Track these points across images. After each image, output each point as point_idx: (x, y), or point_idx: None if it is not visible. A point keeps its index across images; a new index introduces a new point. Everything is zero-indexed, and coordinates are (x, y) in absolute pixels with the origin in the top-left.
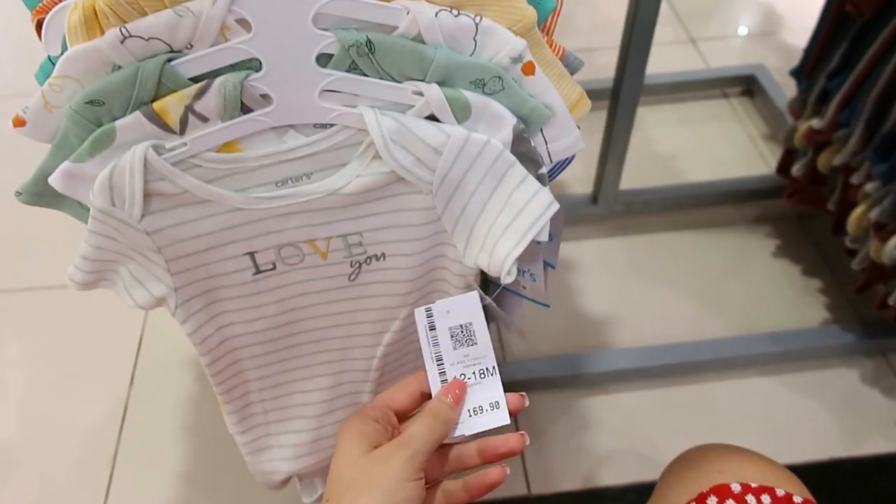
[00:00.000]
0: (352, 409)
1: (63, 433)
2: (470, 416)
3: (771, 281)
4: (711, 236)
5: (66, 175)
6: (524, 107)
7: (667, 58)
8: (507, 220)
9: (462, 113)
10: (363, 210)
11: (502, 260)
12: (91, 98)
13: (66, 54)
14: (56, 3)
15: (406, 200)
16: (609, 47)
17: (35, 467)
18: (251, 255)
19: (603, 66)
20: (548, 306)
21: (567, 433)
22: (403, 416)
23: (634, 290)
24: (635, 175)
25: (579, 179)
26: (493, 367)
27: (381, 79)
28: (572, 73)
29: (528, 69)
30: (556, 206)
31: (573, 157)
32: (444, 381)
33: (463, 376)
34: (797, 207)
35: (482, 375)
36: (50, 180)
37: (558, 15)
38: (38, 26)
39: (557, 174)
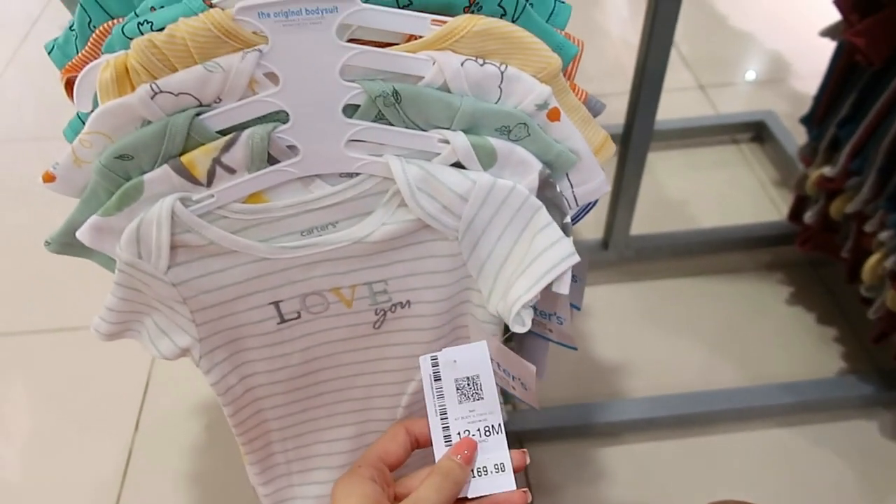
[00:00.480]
0: None
1: (66, 478)
2: (473, 477)
3: (785, 329)
4: (723, 283)
5: (94, 229)
6: (550, 152)
7: (676, 103)
8: (525, 264)
9: (488, 160)
10: (388, 258)
11: (511, 304)
12: (121, 153)
13: (97, 111)
14: (84, 62)
15: (431, 247)
16: (619, 93)
17: None
18: (276, 304)
19: (613, 111)
20: (575, 349)
21: (579, 484)
22: (394, 468)
23: (646, 338)
24: (646, 220)
25: (590, 225)
26: (500, 425)
27: (408, 128)
28: (595, 116)
29: (554, 115)
30: (576, 258)
31: (596, 201)
32: (447, 436)
33: (467, 433)
34: (810, 254)
35: (487, 433)
36: (78, 234)
37: (579, 61)
38: (68, 84)
39: (581, 217)
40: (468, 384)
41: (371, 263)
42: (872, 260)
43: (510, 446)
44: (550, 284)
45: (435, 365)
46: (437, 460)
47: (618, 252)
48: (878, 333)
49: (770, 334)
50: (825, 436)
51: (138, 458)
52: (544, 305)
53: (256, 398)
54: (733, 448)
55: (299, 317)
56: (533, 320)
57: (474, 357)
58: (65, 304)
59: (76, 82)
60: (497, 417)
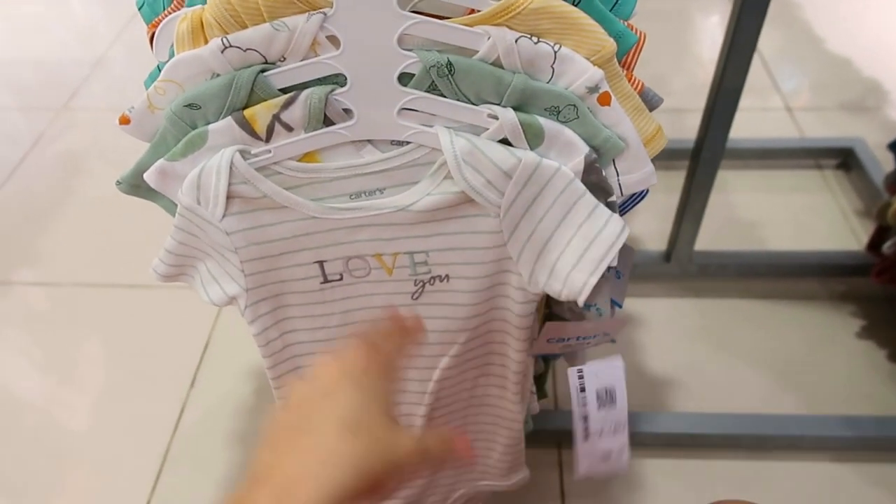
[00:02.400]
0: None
1: (120, 425)
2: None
3: (852, 363)
4: (790, 308)
5: (160, 172)
6: (597, 137)
7: (760, 124)
8: (580, 250)
9: (535, 139)
10: (431, 229)
11: (580, 289)
12: (190, 101)
13: (172, 60)
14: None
15: (473, 223)
16: (699, 109)
17: (89, 457)
18: (320, 263)
19: (692, 126)
20: (613, 341)
21: (616, 493)
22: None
23: (701, 355)
24: (714, 237)
25: (654, 235)
26: (625, 424)
27: (459, 100)
28: (651, 110)
29: (604, 100)
30: (628, 230)
31: (646, 193)
32: (586, 437)
33: (601, 431)
34: (887, 288)
35: (615, 431)
36: (145, 176)
37: (639, 51)
38: (152, 39)
39: (630, 208)
40: (606, 394)
41: (414, 233)
42: None
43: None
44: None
45: (581, 377)
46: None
47: (680, 266)
48: None
49: (835, 367)
50: (881, 476)
51: (190, 413)
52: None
53: (294, 355)
54: (783, 476)
55: (341, 279)
56: (570, 310)
57: (614, 372)
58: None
59: (156, 33)
60: (624, 418)
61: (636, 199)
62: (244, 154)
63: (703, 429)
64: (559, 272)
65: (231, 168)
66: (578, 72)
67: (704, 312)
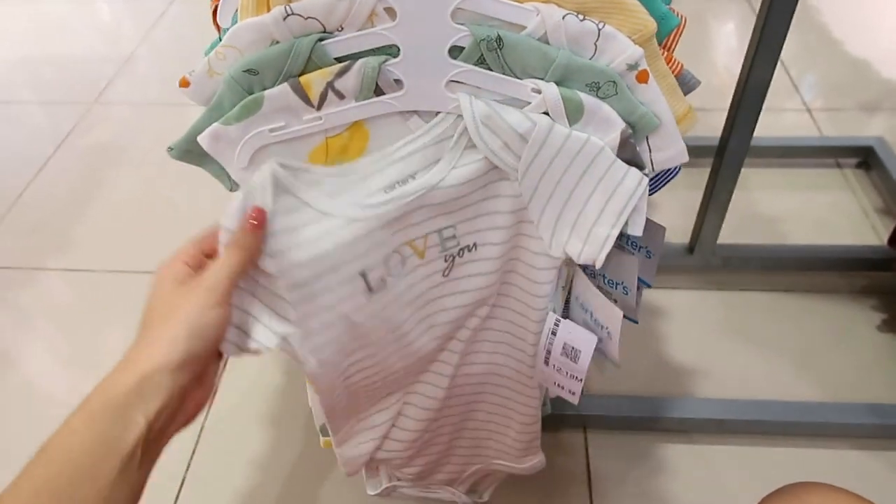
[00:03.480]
0: (426, 405)
1: None
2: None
3: (873, 355)
4: (812, 301)
5: (213, 136)
6: (634, 113)
7: (780, 124)
8: (600, 204)
9: (575, 114)
10: (458, 203)
11: (601, 243)
12: (248, 66)
13: (235, 26)
14: None
15: (495, 188)
16: (723, 109)
17: None
18: (363, 274)
19: (714, 125)
20: (636, 322)
21: (640, 476)
22: (211, 256)
23: (724, 345)
24: (736, 232)
25: (677, 229)
26: (581, 378)
27: (504, 74)
28: (688, 92)
29: (643, 77)
30: (646, 181)
31: (678, 170)
32: (546, 362)
33: (559, 369)
34: None
35: (570, 377)
36: (199, 139)
37: (680, 33)
38: (215, 12)
39: (661, 186)
40: (573, 350)
41: (442, 210)
42: None
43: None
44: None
45: (556, 324)
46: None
47: (703, 258)
48: None
49: (856, 358)
50: None
51: (223, 397)
52: (612, 273)
53: (347, 376)
54: (804, 462)
55: (385, 284)
56: (598, 287)
57: (584, 338)
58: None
59: (219, 6)
60: (582, 374)
61: (668, 175)
62: (284, 167)
63: (727, 414)
64: (580, 228)
65: (273, 180)
66: (620, 49)
67: (727, 304)
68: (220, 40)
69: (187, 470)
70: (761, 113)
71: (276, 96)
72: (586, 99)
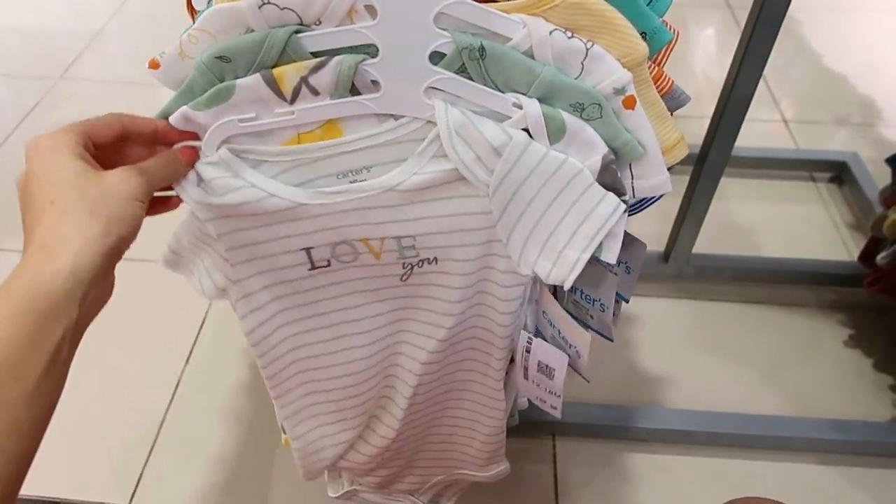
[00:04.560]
0: (389, 414)
1: (114, 398)
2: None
3: (839, 369)
4: (782, 314)
5: (183, 118)
6: (618, 139)
7: (757, 134)
8: (573, 227)
9: (557, 133)
10: (418, 212)
11: (570, 267)
12: (221, 54)
13: (209, 10)
14: None
15: (463, 204)
16: (702, 116)
17: (80, 430)
18: (307, 251)
19: (693, 132)
20: (611, 340)
21: (606, 484)
22: (98, 147)
23: (694, 355)
24: (710, 242)
25: (652, 237)
26: (559, 394)
27: (486, 86)
28: (678, 107)
29: (629, 103)
30: (623, 207)
31: (658, 197)
32: (525, 377)
33: (538, 384)
34: (877, 298)
35: (550, 392)
36: (171, 120)
37: (672, 49)
38: (189, 1)
39: (640, 211)
40: (547, 368)
41: (401, 217)
42: None
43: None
44: (598, 263)
45: (529, 341)
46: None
47: (678, 267)
48: None
49: (823, 373)
50: (867, 480)
51: (185, 389)
52: (590, 289)
53: (288, 349)
54: (769, 476)
55: (329, 265)
56: (574, 303)
57: (555, 357)
58: (142, 236)
59: None
60: (558, 390)
61: (647, 202)
62: (233, 151)
63: (693, 426)
64: (550, 250)
65: (220, 161)
66: (607, 72)
67: (698, 314)
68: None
69: (145, 466)
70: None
71: (248, 86)
72: (569, 119)
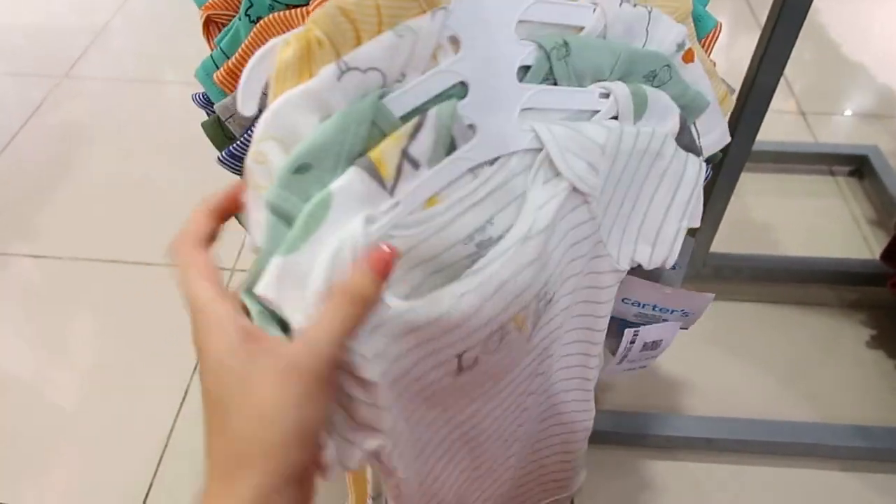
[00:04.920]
0: (496, 466)
1: (121, 409)
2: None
3: (862, 371)
4: (802, 314)
5: (279, 277)
6: (685, 95)
7: (774, 127)
8: (666, 200)
9: (641, 108)
10: (546, 249)
11: (672, 242)
12: (298, 164)
13: (273, 106)
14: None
15: (572, 218)
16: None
17: (86, 440)
18: (459, 357)
19: None
20: (686, 328)
21: (625, 495)
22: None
23: (713, 358)
24: (727, 240)
25: None
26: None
27: (570, 83)
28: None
29: (689, 57)
30: (705, 167)
31: (710, 174)
32: (620, 362)
33: (635, 360)
34: None
35: (646, 360)
36: (261, 290)
37: (716, 37)
38: (207, 23)
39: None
40: (653, 343)
41: (537, 266)
42: None
43: None
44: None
45: (636, 334)
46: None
47: (694, 268)
48: None
49: (844, 374)
50: (890, 486)
51: (195, 395)
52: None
53: (431, 472)
54: (793, 483)
55: (476, 362)
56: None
57: (668, 331)
58: (146, 238)
59: (243, 78)
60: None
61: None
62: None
63: (714, 433)
64: (647, 232)
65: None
66: (665, 30)
67: (716, 315)
68: (213, 61)
69: (154, 477)
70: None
71: (346, 188)
72: (649, 90)
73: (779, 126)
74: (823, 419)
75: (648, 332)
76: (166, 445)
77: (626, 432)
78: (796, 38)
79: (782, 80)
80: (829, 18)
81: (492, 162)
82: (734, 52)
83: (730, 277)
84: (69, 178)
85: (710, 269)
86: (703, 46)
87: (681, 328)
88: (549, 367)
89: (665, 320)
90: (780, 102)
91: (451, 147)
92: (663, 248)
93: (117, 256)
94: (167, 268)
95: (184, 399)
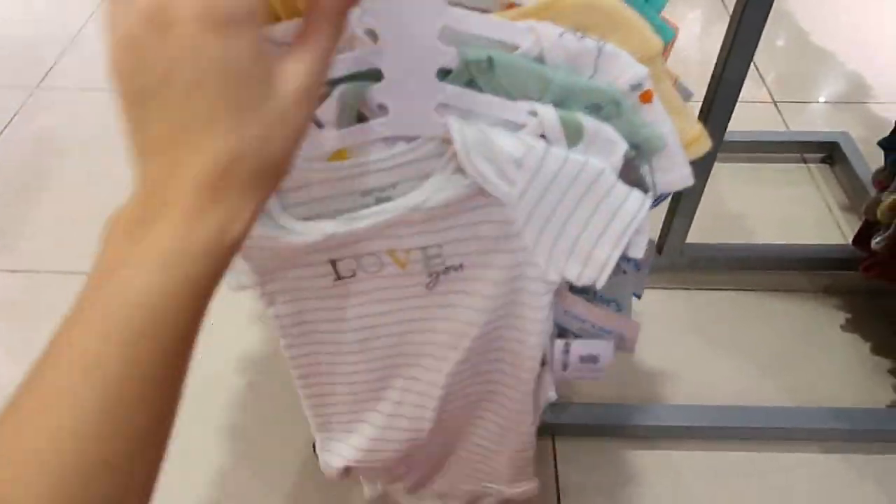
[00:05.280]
0: (414, 422)
1: None
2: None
3: (838, 355)
4: (778, 301)
5: None
6: (638, 135)
7: (746, 116)
8: (601, 227)
9: (575, 136)
10: (443, 223)
11: (601, 266)
12: None
13: None
14: None
15: (487, 213)
16: (691, 102)
17: None
18: (333, 262)
19: None
20: (632, 351)
21: (608, 486)
22: None
23: (692, 347)
24: (703, 230)
25: None
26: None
27: (498, 96)
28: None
29: (647, 97)
30: (648, 203)
31: (667, 196)
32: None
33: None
34: (871, 283)
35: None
36: None
37: (672, 46)
38: None
39: (655, 206)
40: (590, 357)
41: (427, 228)
42: None
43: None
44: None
45: (567, 346)
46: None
47: (671, 258)
48: None
49: (821, 359)
50: (869, 467)
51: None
52: (606, 291)
53: (314, 342)
54: (772, 467)
55: (355, 275)
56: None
57: (601, 348)
58: None
59: None
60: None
61: (663, 197)
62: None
63: (694, 421)
64: (580, 251)
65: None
66: (622, 68)
67: (693, 304)
68: None
69: None
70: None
71: None
72: (586, 120)
73: (751, 116)
74: (801, 403)
75: (579, 347)
76: None
77: (608, 423)
78: (762, 27)
79: (754, 70)
80: (797, 7)
81: (409, 140)
82: (707, 44)
83: (706, 267)
84: (45, 190)
85: (686, 259)
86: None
87: (618, 349)
88: (464, 336)
89: (601, 338)
90: (753, 92)
91: (362, 120)
92: (593, 270)
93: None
94: None
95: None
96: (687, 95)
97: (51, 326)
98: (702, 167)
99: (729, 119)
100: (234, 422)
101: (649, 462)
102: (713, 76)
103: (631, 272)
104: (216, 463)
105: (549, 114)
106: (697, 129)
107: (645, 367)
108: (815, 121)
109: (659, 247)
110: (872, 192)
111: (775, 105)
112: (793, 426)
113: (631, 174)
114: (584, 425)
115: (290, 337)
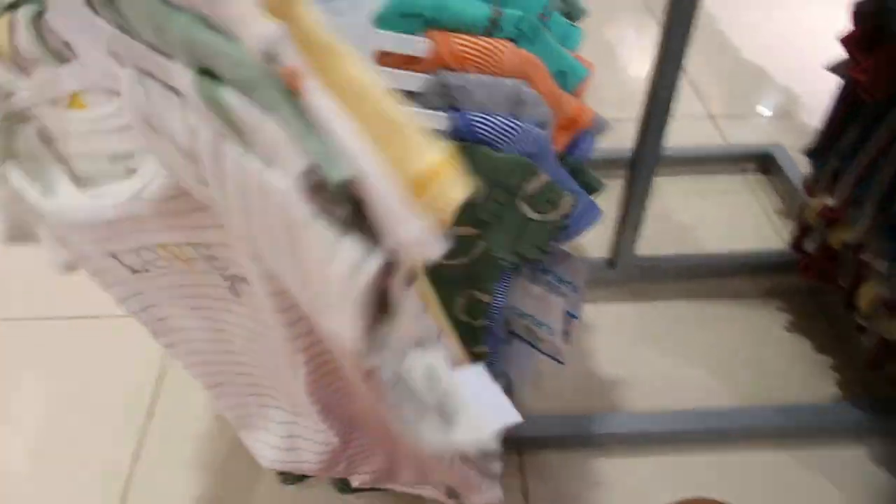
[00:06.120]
0: (318, 434)
1: (74, 468)
2: None
3: (783, 355)
4: (725, 307)
5: None
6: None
7: (687, 132)
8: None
9: (229, 122)
10: (188, 219)
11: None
12: None
13: None
14: None
15: (191, 202)
16: (630, 119)
17: (45, 495)
18: (114, 256)
19: (623, 136)
20: (562, 363)
21: (574, 495)
22: None
23: (647, 356)
24: (653, 242)
25: (597, 244)
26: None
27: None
28: (597, 134)
29: (293, 82)
30: (375, 261)
31: (595, 220)
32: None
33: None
34: (810, 282)
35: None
36: None
37: (586, 84)
38: None
39: (575, 235)
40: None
41: (175, 223)
42: (867, 288)
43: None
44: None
45: None
46: None
47: (624, 272)
48: (873, 361)
49: (768, 359)
50: (816, 460)
51: (150, 446)
52: (539, 313)
53: (158, 317)
54: (729, 466)
55: (149, 271)
56: (526, 328)
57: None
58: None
59: None
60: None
61: (587, 219)
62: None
63: (652, 426)
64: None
65: None
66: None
67: (647, 315)
68: None
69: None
70: (668, 123)
71: None
72: (237, 104)
73: (691, 132)
74: (752, 403)
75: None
76: (124, 492)
77: (571, 434)
78: (688, 38)
79: (690, 87)
80: (728, 26)
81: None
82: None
83: (658, 278)
84: None
85: (638, 272)
86: (576, 94)
87: (571, 316)
88: (295, 349)
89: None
90: (691, 108)
91: (59, 57)
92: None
93: (54, 312)
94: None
95: (140, 446)
96: (604, 127)
97: (15, 374)
98: (643, 180)
99: (663, 133)
100: (203, 457)
101: (611, 470)
102: (648, 93)
103: (569, 293)
104: (186, 500)
105: (184, 80)
106: (433, 159)
107: (603, 378)
108: (751, 133)
109: (611, 261)
110: (805, 197)
111: (713, 120)
112: (741, 425)
113: (320, 203)
114: (548, 437)
115: (147, 324)
